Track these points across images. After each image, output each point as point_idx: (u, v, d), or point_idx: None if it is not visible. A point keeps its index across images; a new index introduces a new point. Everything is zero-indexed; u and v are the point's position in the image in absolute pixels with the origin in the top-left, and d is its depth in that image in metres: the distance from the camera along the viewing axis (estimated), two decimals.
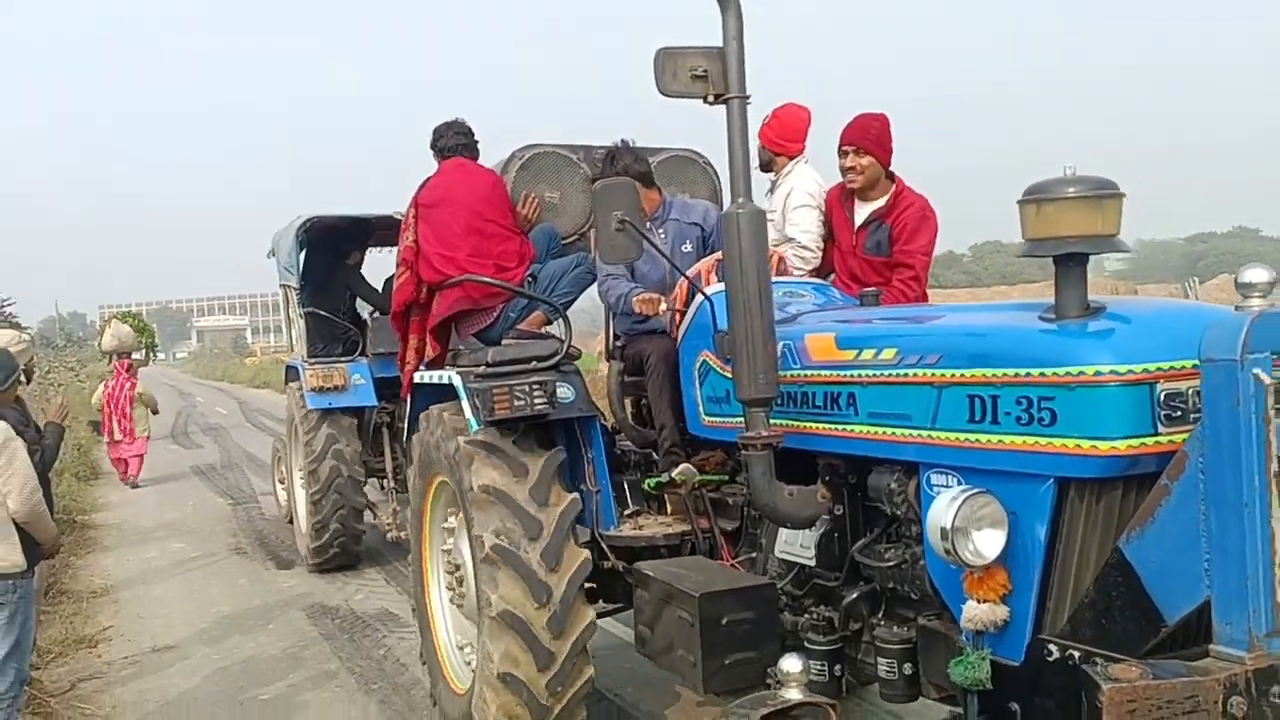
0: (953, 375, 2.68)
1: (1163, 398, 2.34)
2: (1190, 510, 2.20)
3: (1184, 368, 2.33)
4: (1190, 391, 2.34)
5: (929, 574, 2.88)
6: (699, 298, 4.10)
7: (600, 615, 4.32)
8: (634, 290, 4.54)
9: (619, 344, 4.62)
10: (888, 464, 3.00)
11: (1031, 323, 2.60)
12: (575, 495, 4.14)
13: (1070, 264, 2.53)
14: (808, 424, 3.27)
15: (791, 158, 5.21)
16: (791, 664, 2.59)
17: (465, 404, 4.29)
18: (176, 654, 6.36)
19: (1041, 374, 2.43)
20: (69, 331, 55.70)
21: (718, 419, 3.87)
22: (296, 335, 8.58)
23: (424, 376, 4.91)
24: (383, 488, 8.64)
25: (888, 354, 2.94)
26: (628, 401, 4.90)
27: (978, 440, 2.60)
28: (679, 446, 4.38)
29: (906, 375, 2.85)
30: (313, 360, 8.15)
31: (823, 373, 3.21)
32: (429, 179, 5.11)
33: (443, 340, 5.00)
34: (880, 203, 4.63)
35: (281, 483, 9.85)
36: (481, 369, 4.40)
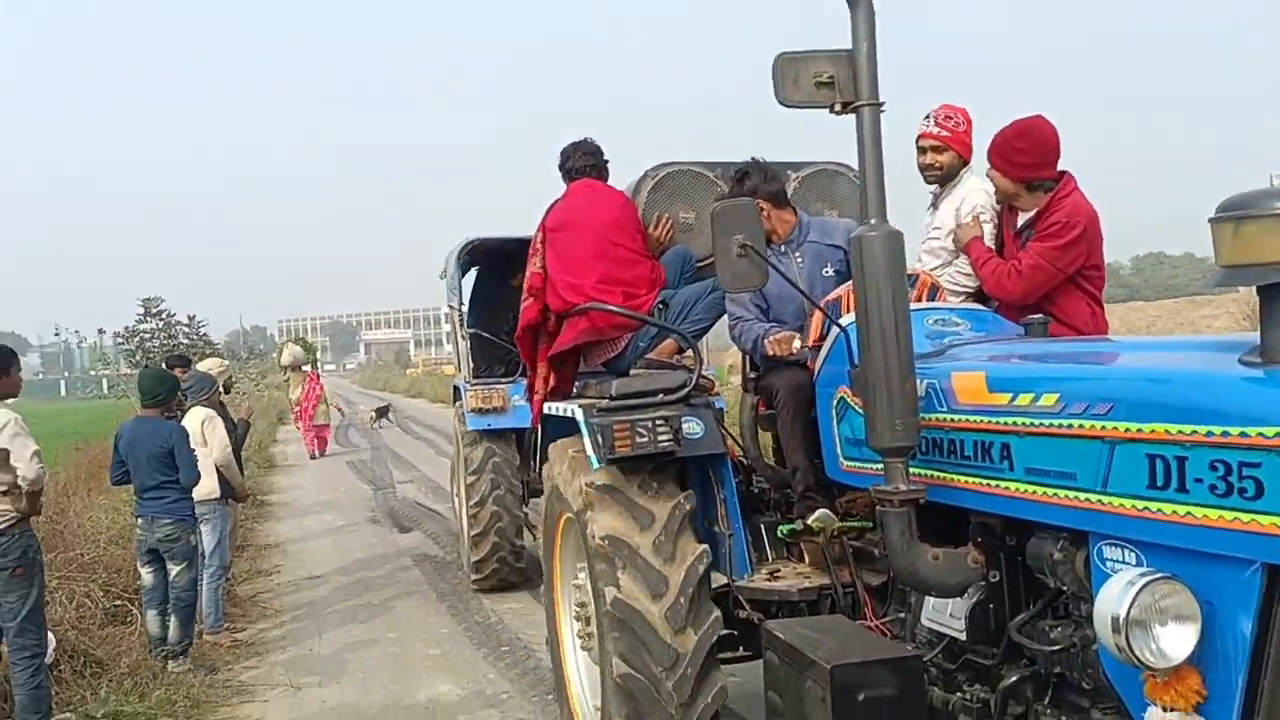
0: (1127, 430, 2.22)
1: None
2: None
3: None
4: None
5: (1101, 664, 2.42)
6: (842, 324, 3.71)
7: (728, 661, 3.99)
8: (768, 332, 4.18)
9: (754, 376, 4.26)
10: (1050, 529, 2.55)
11: (1229, 367, 2.12)
12: (705, 547, 3.81)
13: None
14: (955, 477, 2.85)
15: (966, 162, 4.69)
16: None
17: (586, 440, 4.03)
18: (322, 580, 9.48)
19: (1244, 434, 1.95)
20: (251, 345, 60.77)
21: (857, 463, 3.47)
22: (461, 356, 8.63)
23: (552, 408, 4.69)
24: None
25: (1048, 400, 2.49)
26: (766, 438, 4.53)
27: (1160, 511, 2.13)
28: (814, 490, 4.00)
29: (1071, 426, 2.39)
30: (475, 382, 8.14)
31: (972, 418, 2.78)
32: (556, 202, 4.89)
33: (567, 370, 4.76)
34: (1031, 213, 4.09)
35: (458, 497, 10.00)
36: (605, 402, 4.14)
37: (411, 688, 6.24)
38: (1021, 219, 4.06)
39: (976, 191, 4.48)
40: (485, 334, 8.42)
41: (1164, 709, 2.07)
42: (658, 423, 3.89)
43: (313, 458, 20.01)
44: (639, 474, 3.92)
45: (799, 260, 4.34)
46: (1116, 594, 2.02)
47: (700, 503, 4.06)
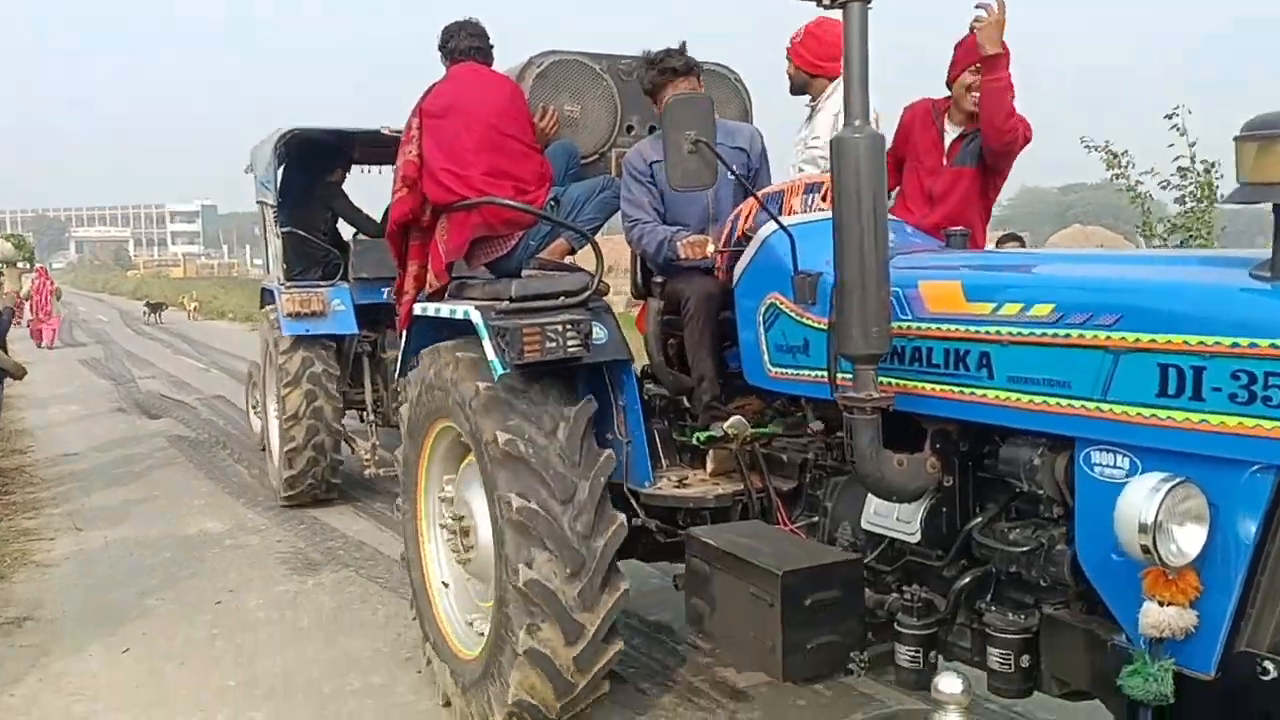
0: (1137, 340, 2.29)
1: None
2: None
3: None
4: None
5: (1076, 563, 2.53)
6: (766, 232, 3.65)
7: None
8: (677, 234, 4.07)
9: (659, 280, 4.14)
10: (1028, 435, 2.62)
11: (1244, 281, 2.22)
12: (610, 452, 3.74)
13: None
14: (921, 384, 2.87)
15: (832, 79, 4.76)
16: (951, 684, 2.22)
17: (487, 344, 3.81)
18: (79, 457, 9.93)
19: (1273, 345, 2.05)
20: None
21: (789, 370, 3.45)
22: (273, 256, 7.94)
23: (427, 309, 4.40)
24: (361, 420, 8.13)
25: (1041, 310, 2.53)
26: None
27: (1171, 418, 2.22)
28: (719, 399, 3.97)
29: (1069, 336, 2.45)
30: (290, 284, 7.55)
31: (944, 326, 2.80)
32: (435, 85, 4.53)
33: (451, 270, 4.47)
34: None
35: (255, 409, 9.32)
36: (505, 304, 3.93)
37: (182, 526, 7.33)
38: (953, 130, 4.13)
39: None
40: (301, 233, 7.80)
41: (1161, 604, 2.18)
42: (567, 326, 3.73)
43: (39, 347, 20.93)
44: (539, 379, 3.76)
45: None
46: (1141, 498, 2.10)
47: (596, 411, 3.95)
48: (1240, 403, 2.11)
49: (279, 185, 7.74)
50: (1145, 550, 2.09)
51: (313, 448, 7.36)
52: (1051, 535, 2.64)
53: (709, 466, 3.96)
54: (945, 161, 4.14)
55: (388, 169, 9.23)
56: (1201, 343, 2.16)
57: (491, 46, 4.62)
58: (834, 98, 4.64)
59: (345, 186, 8.40)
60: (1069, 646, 2.59)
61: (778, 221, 3.38)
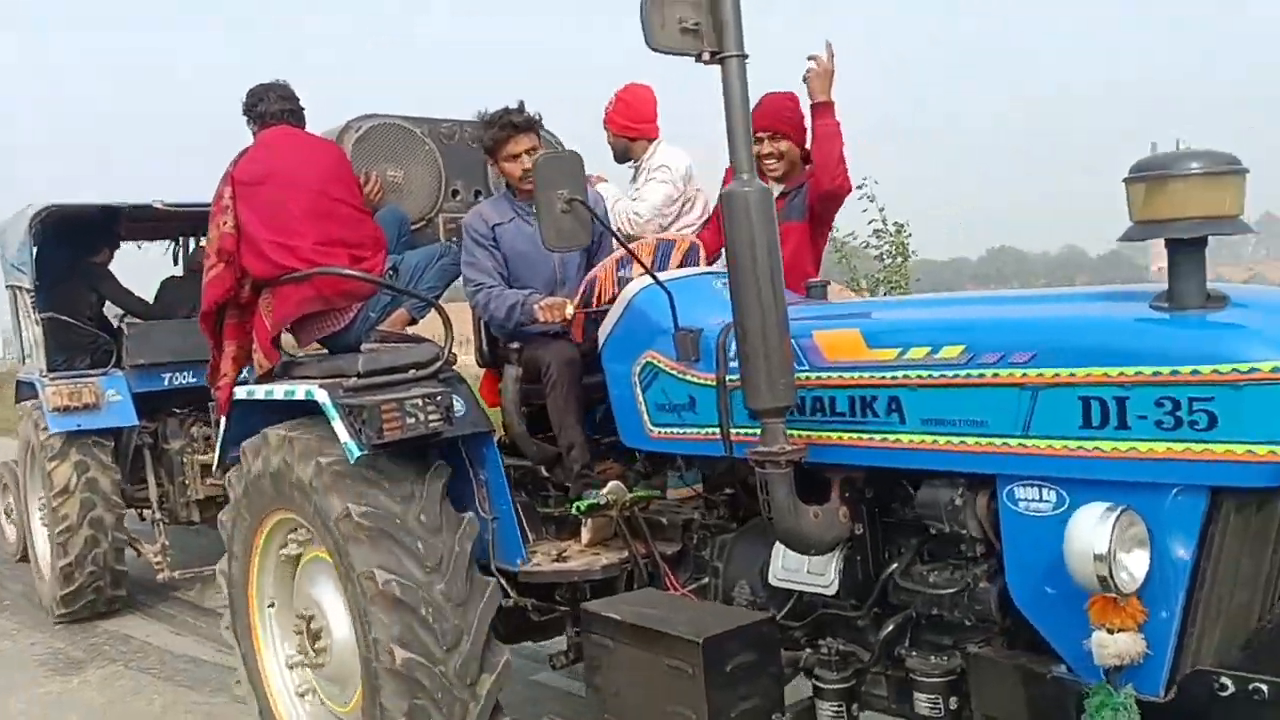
0: (1056, 375, 2.36)
1: None
2: None
3: None
4: None
5: (1003, 599, 2.57)
6: (632, 291, 3.57)
7: None
8: (529, 297, 3.92)
9: (515, 347, 3.97)
10: (946, 476, 2.64)
11: (1149, 313, 2.32)
12: (471, 516, 3.60)
13: (1188, 249, 2.27)
14: (827, 434, 2.85)
15: (651, 140, 4.82)
16: None
17: (339, 425, 3.53)
18: None
19: (1195, 372, 2.15)
20: None
21: (674, 429, 3.36)
22: (31, 344, 7.10)
23: (255, 392, 4.03)
24: (142, 518, 7.38)
25: (950, 352, 2.57)
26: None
27: (1099, 449, 2.29)
28: (590, 466, 3.84)
29: (983, 376, 2.49)
30: (54, 375, 6.76)
31: (847, 375, 2.80)
32: (246, 151, 4.19)
33: (279, 347, 4.11)
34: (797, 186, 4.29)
35: (9, 516, 8.25)
36: (352, 381, 3.66)
37: None
38: (775, 191, 4.19)
39: (676, 156, 4.69)
40: (64, 317, 7.04)
41: (1111, 631, 2.23)
42: (426, 401, 3.51)
43: None
44: (389, 455, 3.53)
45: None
46: (1089, 529, 2.13)
47: (454, 487, 3.74)
48: (1167, 429, 2.19)
49: (35, 266, 6.96)
50: (1101, 580, 2.12)
51: (92, 561, 6.59)
52: (974, 574, 2.66)
53: (585, 537, 3.79)
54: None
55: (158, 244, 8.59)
56: (1123, 374, 2.24)
57: (303, 109, 4.34)
58: (655, 155, 4.72)
59: (113, 266, 7.69)
60: (999, 683, 2.61)
61: (655, 279, 3.31)
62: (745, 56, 2.76)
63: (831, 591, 2.93)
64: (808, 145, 4.12)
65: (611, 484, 3.63)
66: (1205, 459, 2.14)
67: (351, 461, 3.50)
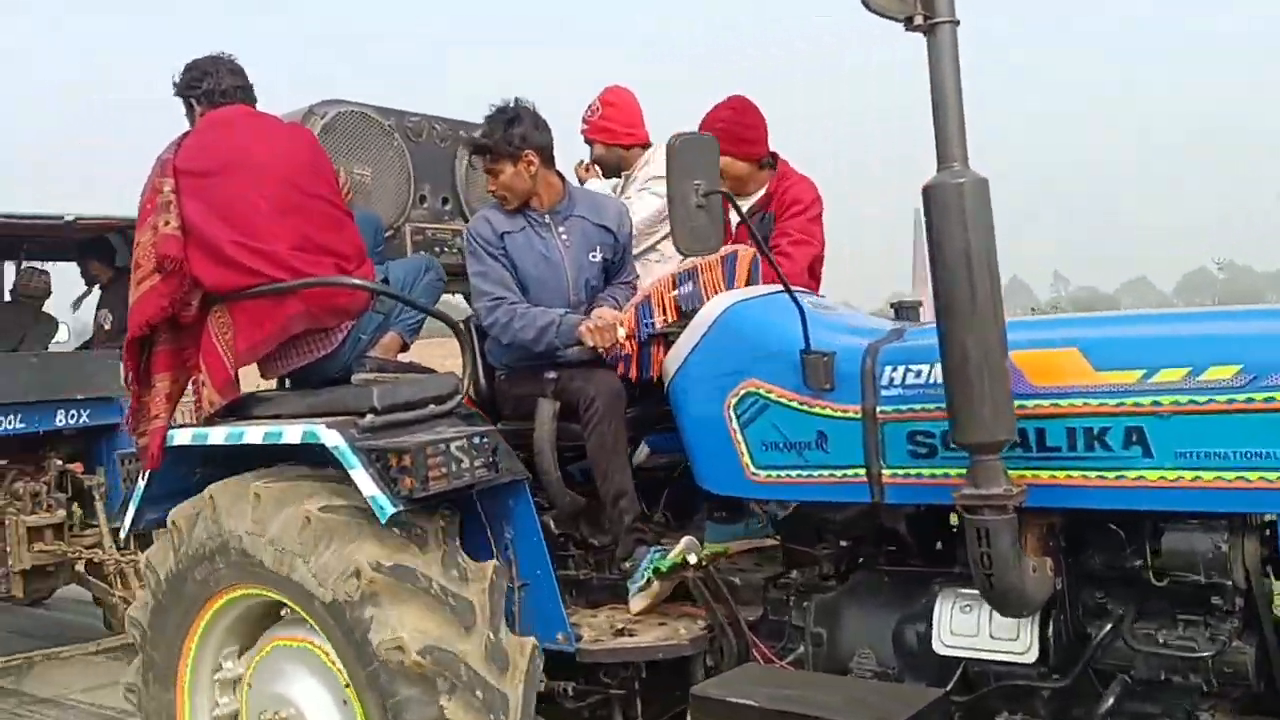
0: None
1: None
2: None
3: None
4: None
5: (1262, 661, 2.22)
6: (717, 308, 3.02)
7: None
8: (566, 315, 3.28)
9: (551, 376, 3.30)
10: (1202, 519, 2.27)
11: None
12: (494, 562, 3.00)
13: None
14: (1035, 473, 2.42)
15: (645, 147, 4.31)
16: None
17: (363, 475, 2.79)
18: None
19: None
20: None
21: (788, 473, 2.82)
22: None
23: (209, 435, 3.18)
24: None
25: (1219, 373, 2.20)
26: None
27: None
28: (641, 519, 3.24)
29: (1270, 401, 2.14)
30: None
31: (1063, 402, 2.38)
32: (187, 135, 3.34)
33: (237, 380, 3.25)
34: (758, 195, 3.92)
35: None
36: (368, 419, 2.92)
37: None
38: (745, 204, 3.79)
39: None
40: None
41: None
42: (470, 444, 2.85)
43: None
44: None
45: (563, 236, 3.50)
46: None
47: (470, 548, 3.06)
48: None
49: None
50: None
51: None
52: (1227, 631, 2.29)
53: (639, 604, 3.15)
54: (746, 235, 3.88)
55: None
56: None
57: (253, 86, 3.52)
58: (652, 164, 4.20)
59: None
60: None
61: (790, 292, 2.76)
62: (956, 23, 2.33)
63: (1031, 659, 2.48)
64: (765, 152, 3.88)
65: (685, 539, 3.04)
66: None
67: (382, 520, 2.76)
